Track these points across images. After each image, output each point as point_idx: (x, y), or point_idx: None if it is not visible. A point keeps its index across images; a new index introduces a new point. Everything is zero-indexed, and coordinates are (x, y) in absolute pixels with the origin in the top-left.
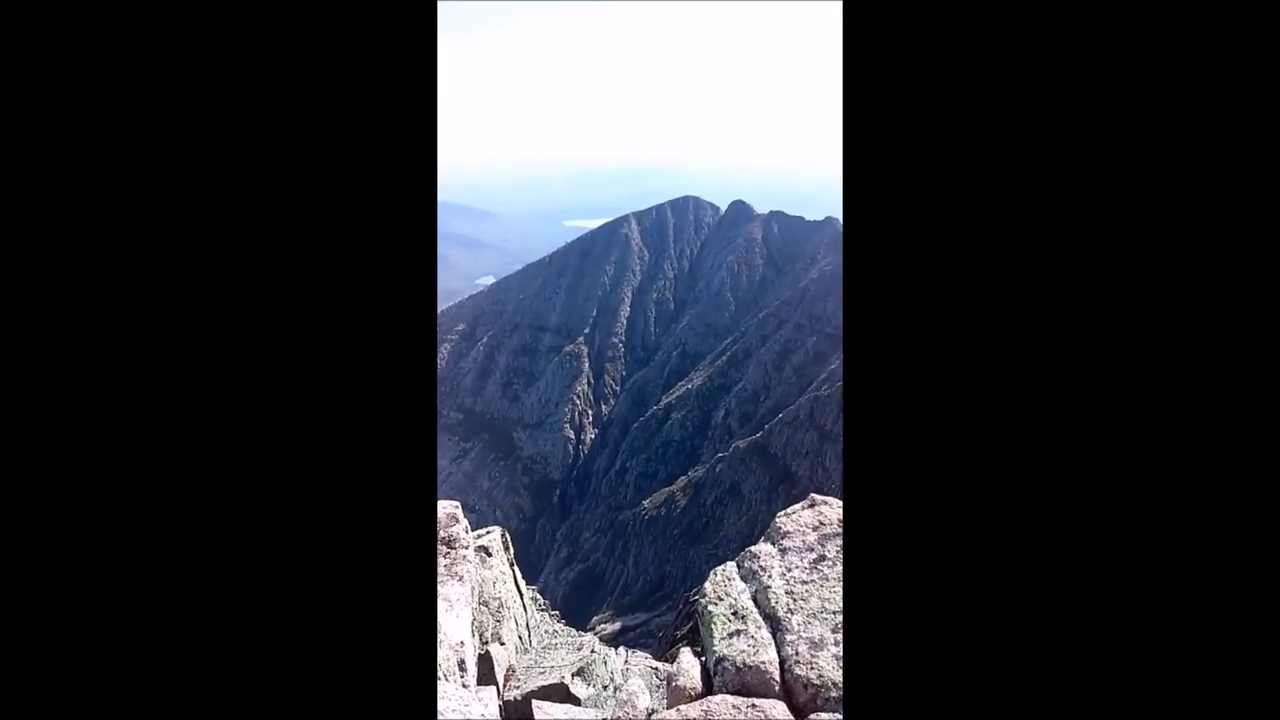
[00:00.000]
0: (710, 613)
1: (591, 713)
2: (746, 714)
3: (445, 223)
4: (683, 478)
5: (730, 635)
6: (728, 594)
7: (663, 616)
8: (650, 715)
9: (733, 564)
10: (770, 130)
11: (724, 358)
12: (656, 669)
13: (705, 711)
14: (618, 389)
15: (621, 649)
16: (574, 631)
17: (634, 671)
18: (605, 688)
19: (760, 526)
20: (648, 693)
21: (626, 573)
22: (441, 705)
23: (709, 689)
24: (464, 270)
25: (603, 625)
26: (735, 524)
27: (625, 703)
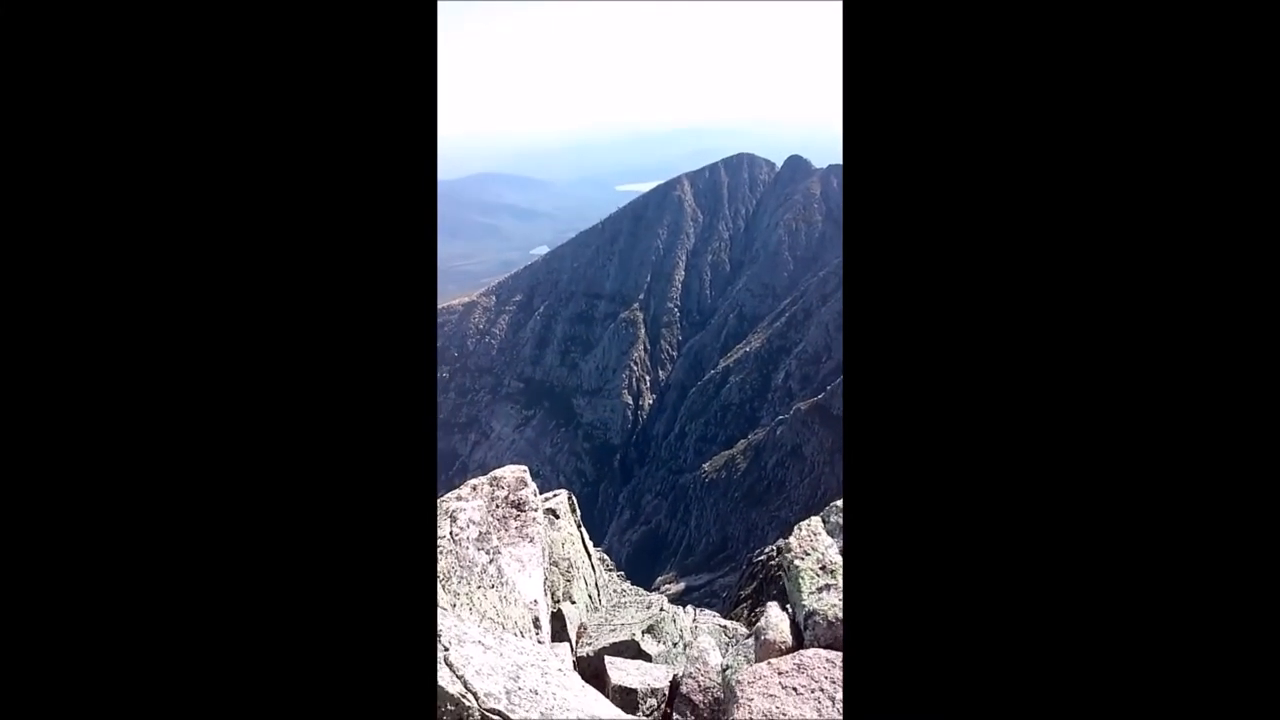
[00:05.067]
0: (797, 567)
1: (663, 669)
2: (841, 668)
3: (498, 194)
4: (742, 441)
5: (819, 590)
6: (814, 549)
7: (726, 577)
8: (724, 671)
9: (818, 519)
10: (827, 81)
11: (783, 319)
12: (725, 627)
13: (798, 665)
14: (674, 354)
15: (689, 607)
16: (641, 591)
17: (703, 629)
18: (675, 645)
19: (824, 488)
20: (718, 650)
21: (689, 534)
22: (521, 660)
23: (800, 643)
24: (518, 241)
25: (667, 585)
26: (798, 486)
27: (696, 659)
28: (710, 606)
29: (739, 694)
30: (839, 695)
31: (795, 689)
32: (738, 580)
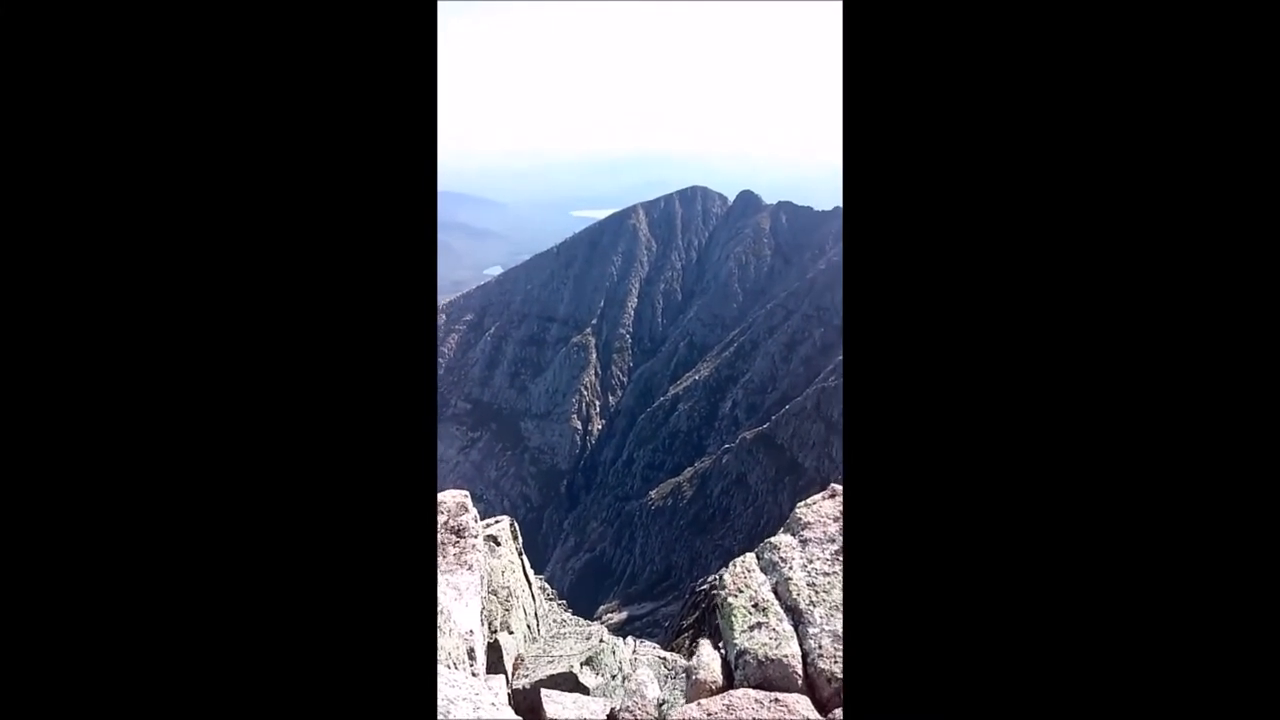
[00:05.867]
0: (730, 605)
1: (600, 702)
2: (770, 708)
3: (452, 213)
4: (689, 469)
5: (751, 628)
6: (748, 586)
7: (669, 606)
8: (660, 705)
9: (752, 555)
10: (780, 119)
11: (731, 349)
12: (665, 659)
13: (727, 705)
14: (625, 380)
15: (629, 639)
16: (582, 621)
17: (642, 661)
18: (614, 677)
19: (767, 517)
20: (656, 683)
21: (633, 562)
22: (452, 694)
23: (730, 683)
24: (471, 260)
25: (609, 614)
26: (742, 515)
27: (634, 692)
28: (652, 636)
29: None
30: None
31: None
32: (680, 610)
